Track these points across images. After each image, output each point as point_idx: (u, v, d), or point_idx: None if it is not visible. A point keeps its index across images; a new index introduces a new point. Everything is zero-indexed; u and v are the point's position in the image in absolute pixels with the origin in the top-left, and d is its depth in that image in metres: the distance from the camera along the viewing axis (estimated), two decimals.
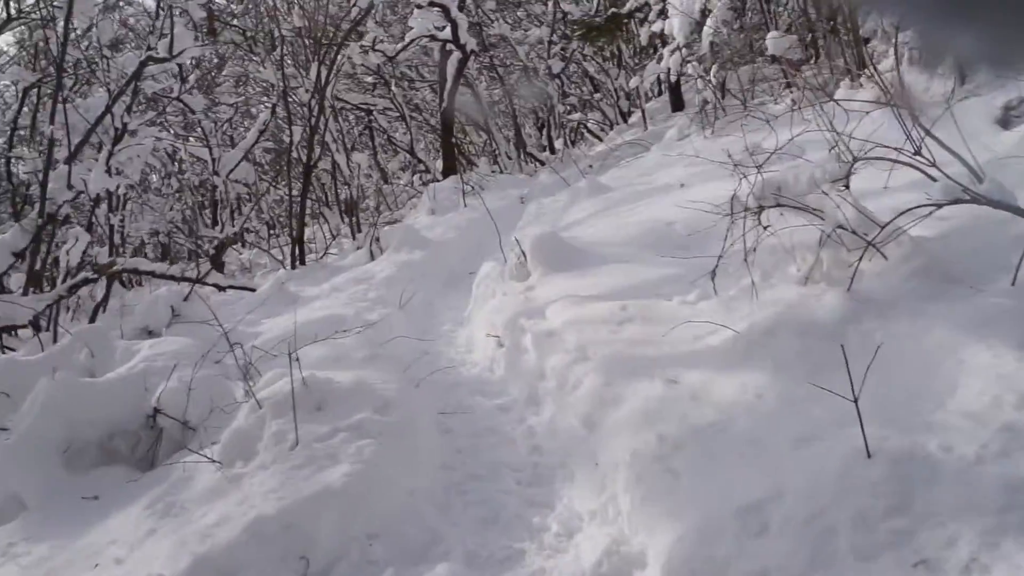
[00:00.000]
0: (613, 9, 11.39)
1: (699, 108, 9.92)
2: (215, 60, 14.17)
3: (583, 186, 8.01)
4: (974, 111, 5.40)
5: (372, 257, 7.44)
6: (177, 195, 14.04)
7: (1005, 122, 5.51)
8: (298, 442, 2.73)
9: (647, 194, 6.67)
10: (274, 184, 19.98)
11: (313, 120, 8.18)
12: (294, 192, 8.52)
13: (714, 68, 9.02)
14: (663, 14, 10.62)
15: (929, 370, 2.24)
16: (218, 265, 12.77)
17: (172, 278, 7.66)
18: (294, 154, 8.73)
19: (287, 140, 16.42)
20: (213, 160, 12.86)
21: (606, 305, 3.84)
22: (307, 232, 17.80)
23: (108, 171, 9.83)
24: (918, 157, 3.10)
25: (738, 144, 7.96)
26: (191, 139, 13.66)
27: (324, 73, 8.01)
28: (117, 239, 11.54)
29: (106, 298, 8.24)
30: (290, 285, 7.15)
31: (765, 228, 3.51)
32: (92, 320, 8.27)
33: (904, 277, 2.82)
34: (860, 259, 2.81)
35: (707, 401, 2.60)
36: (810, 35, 11.10)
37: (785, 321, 2.82)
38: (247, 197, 15.19)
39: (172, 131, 14.01)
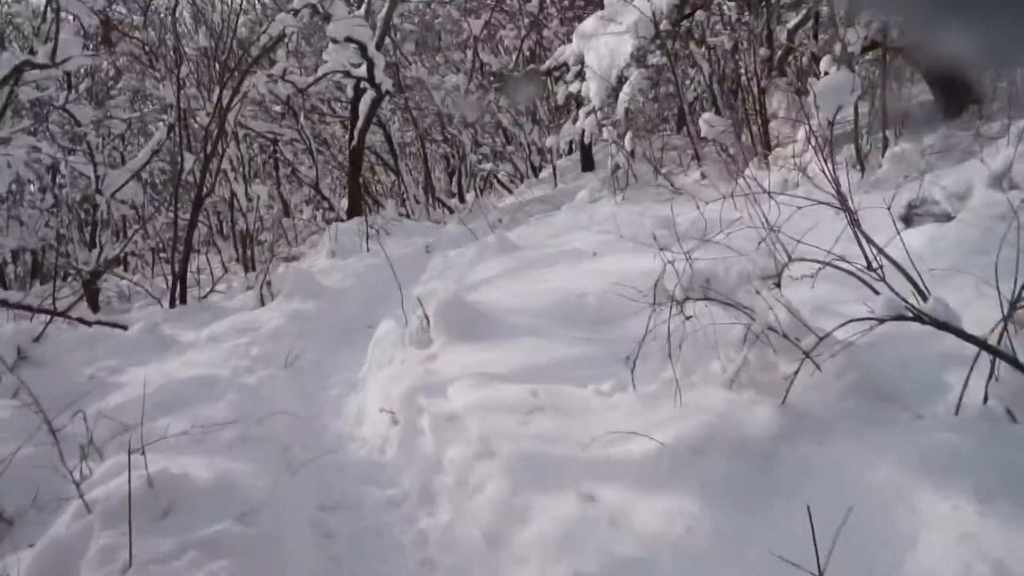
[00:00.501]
0: (532, 65, 11.31)
1: (611, 172, 9.87)
2: (111, 72, 13.21)
3: (492, 242, 7.70)
4: (875, 206, 5.42)
5: (262, 302, 6.84)
6: (53, 211, 12.86)
7: (908, 219, 5.54)
8: (131, 563, 2.19)
9: (558, 259, 6.41)
10: (166, 207, 18.85)
11: (209, 147, 7.56)
12: (180, 222, 7.81)
13: (628, 134, 8.98)
14: (581, 76, 10.60)
15: (881, 517, 1.97)
16: (92, 292, 11.71)
17: (27, 308, 6.81)
18: (186, 180, 8.03)
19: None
20: (97, 177, 11.88)
21: (514, 389, 3.47)
22: (197, 262, 16.81)
23: None
24: (852, 263, 2.93)
25: (649, 213, 7.92)
26: (77, 152, 12.60)
27: (226, 98, 7.42)
28: None
29: None
30: (165, 327, 6.45)
31: (688, 319, 3.25)
32: None
33: (840, 393, 2.59)
34: (797, 372, 2.57)
35: (629, 529, 2.26)
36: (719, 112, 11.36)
37: (714, 436, 2.54)
38: (134, 219, 14.12)
39: (56, 143, 12.90)
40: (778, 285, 2.93)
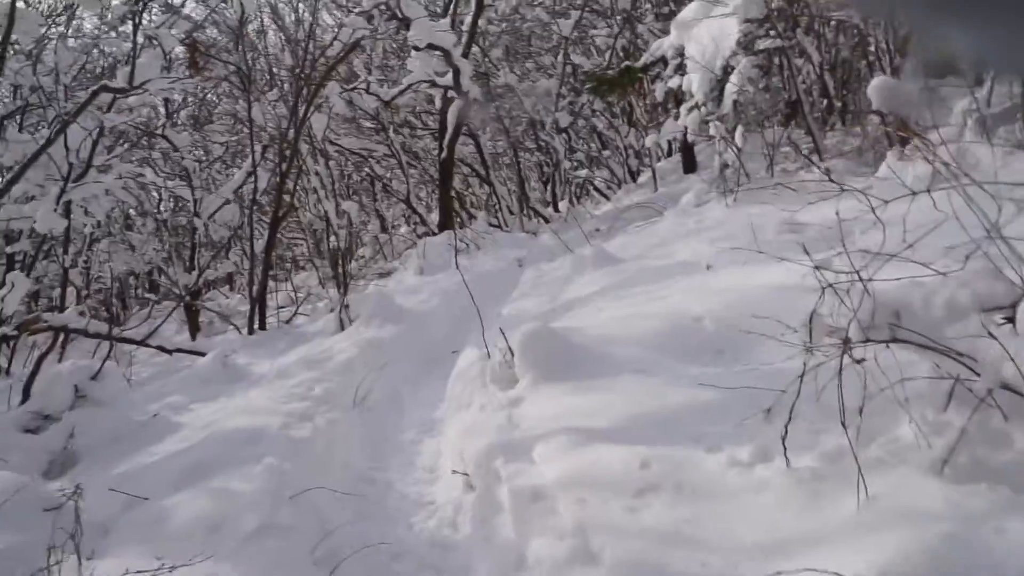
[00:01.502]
0: (627, 63, 10.38)
1: (718, 171, 8.80)
2: (202, 96, 13.17)
3: (588, 255, 6.84)
4: None
5: (341, 326, 6.23)
6: (156, 235, 12.90)
7: None
8: None
9: (665, 273, 5.47)
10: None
11: (284, 166, 7.06)
12: (257, 246, 7.36)
13: (739, 129, 7.92)
14: (680, 70, 9.60)
15: None
16: (193, 314, 11.59)
17: (107, 338, 6.45)
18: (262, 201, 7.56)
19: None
20: (195, 200, 11.79)
21: (619, 454, 2.60)
22: (293, 281, 16.70)
23: (66, 209, 8.72)
24: None
25: (768, 216, 6.84)
26: (176, 178, 12.60)
27: (300, 114, 6.91)
28: (81, 281, 10.40)
29: (40, 359, 7.00)
30: (240, 356, 5.93)
31: (859, 363, 2.30)
32: (25, 391, 7.00)
33: None
34: None
35: None
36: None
37: (941, 571, 1.59)
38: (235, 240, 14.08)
39: (157, 169, 12.96)
40: (1011, 321, 1.94)
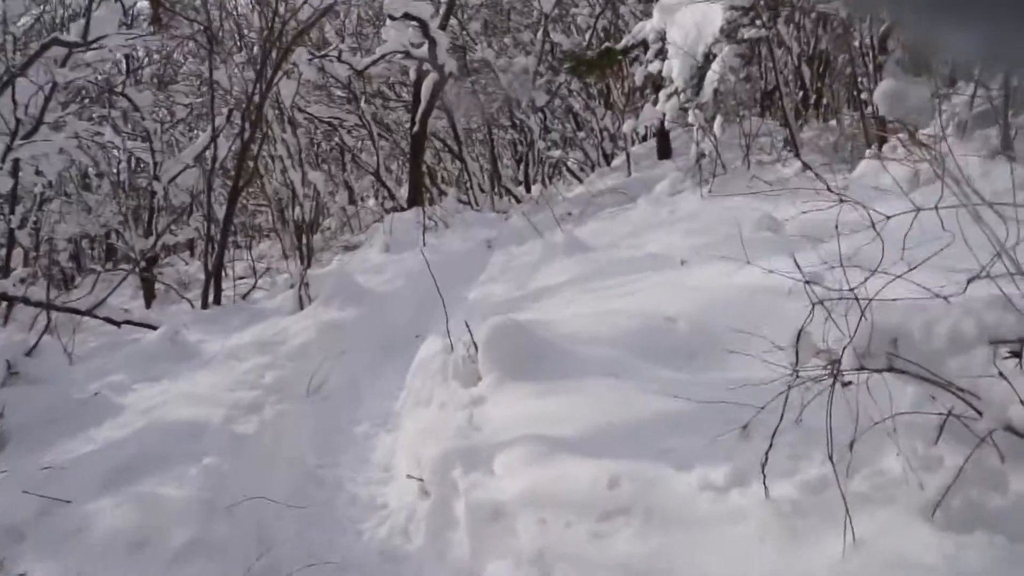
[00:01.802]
0: (607, 44, 10.12)
1: (694, 160, 8.64)
2: (166, 55, 12.62)
3: (559, 241, 6.63)
4: None
5: (300, 305, 5.96)
6: (113, 197, 12.37)
7: None
8: None
9: (637, 265, 5.29)
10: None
11: (247, 134, 6.71)
12: (220, 215, 7.01)
13: (718, 120, 7.74)
14: (661, 54, 9.38)
15: None
16: (147, 282, 11.16)
17: (49, 307, 6.09)
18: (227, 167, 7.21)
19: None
20: (155, 163, 11.31)
21: (587, 469, 2.42)
22: (262, 247, 16.23)
23: (14, 167, 8.26)
24: None
25: (743, 210, 6.69)
26: (138, 139, 12.05)
27: (266, 80, 6.54)
28: (30, 243, 9.92)
29: None
30: (191, 333, 5.64)
31: (845, 385, 2.14)
32: None
33: None
34: None
35: None
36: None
37: None
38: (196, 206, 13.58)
39: (117, 128, 12.40)
40: (1018, 356, 1.78)
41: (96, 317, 6.21)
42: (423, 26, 9.33)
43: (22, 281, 9.75)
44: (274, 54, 6.73)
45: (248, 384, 3.80)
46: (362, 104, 12.21)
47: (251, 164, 6.87)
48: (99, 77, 12.11)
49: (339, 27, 11.49)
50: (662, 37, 9.29)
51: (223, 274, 6.78)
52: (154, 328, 6.42)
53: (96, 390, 4.55)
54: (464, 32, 13.29)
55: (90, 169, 12.34)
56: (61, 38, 6.17)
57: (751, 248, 5.01)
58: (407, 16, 8.98)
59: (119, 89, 10.89)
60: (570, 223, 8.63)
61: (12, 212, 8.37)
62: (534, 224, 7.71)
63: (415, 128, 11.40)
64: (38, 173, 9.47)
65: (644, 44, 9.80)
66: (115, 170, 12.19)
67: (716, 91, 8.09)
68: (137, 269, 10.91)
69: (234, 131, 10.82)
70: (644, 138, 15.65)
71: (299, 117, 12.58)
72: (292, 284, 6.82)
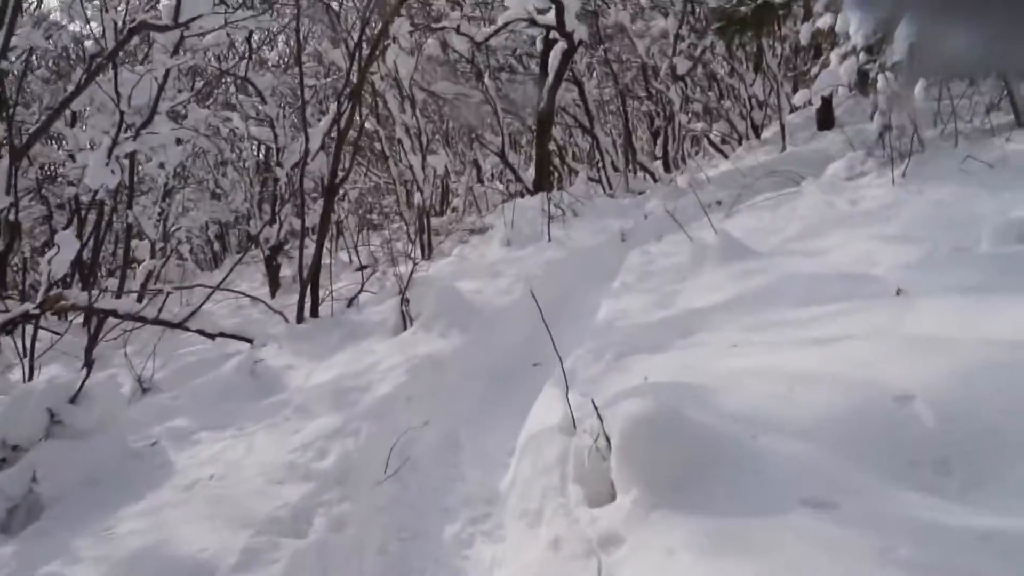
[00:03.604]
0: None
1: (877, 135, 6.92)
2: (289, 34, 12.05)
3: (713, 244, 5.26)
4: None
5: (404, 323, 4.98)
6: (242, 184, 12.04)
7: None
8: None
9: (822, 286, 3.88)
10: (364, 174, 17.97)
11: (341, 123, 5.78)
12: (310, 218, 6.16)
13: (920, 83, 6.03)
14: (833, 6, 7.67)
15: None
16: (274, 270, 10.72)
17: (141, 320, 5.47)
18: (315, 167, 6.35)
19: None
20: (277, 149, 10.82)
21: None
22: (384, 235, 15.65)
23: (130, 161, 7.85)
24: None
25: (960, 206, 5.03)
26: (263, 123, 11.62)
27: (361, 58, 5.55)
28: (156, 233, 9.64)
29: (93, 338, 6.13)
30: (279, 356, 4.82)
31: None
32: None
33: None
34: None
35: None
36: None
37: None
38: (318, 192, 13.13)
39: (246, 115, 12.05)
40: None
41: (188, 330, 5.54)
42: None
43: (149, 274, 9.55)
44: (370, 29, 5.74)
45: (301, 471, 2.81)
46: (486, 79, 11.12)
47: (349, 155, 5.94)
48: (220, 62, 11.77)
49: None
50: None
51: (318, 283, 5.93)
52: (249, 341, 5.70)
53: (156, 437, 3.79)
54: None
55: (222, 155, 12.05)
56: (149, 21, 5.44)
57: (1000, 270, 3.50)
58: None
59: (240, 74, 10.42)
60: (719, 213, 7.18)
61: (130, 207, 7.97)
62: (674, 216, 6.34)
63: (542, 103, 10.20)
64: (161, 166, 9.19)
65: None
66: (242, 157, 11.81)
67: (912, 45, 6.34)
68: (265, 256, 10.55)
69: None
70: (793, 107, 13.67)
71: (420, 96, 11.71)
72: (398, 290, 5.87)
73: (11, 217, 5.75)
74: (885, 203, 5.53)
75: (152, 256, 9.55)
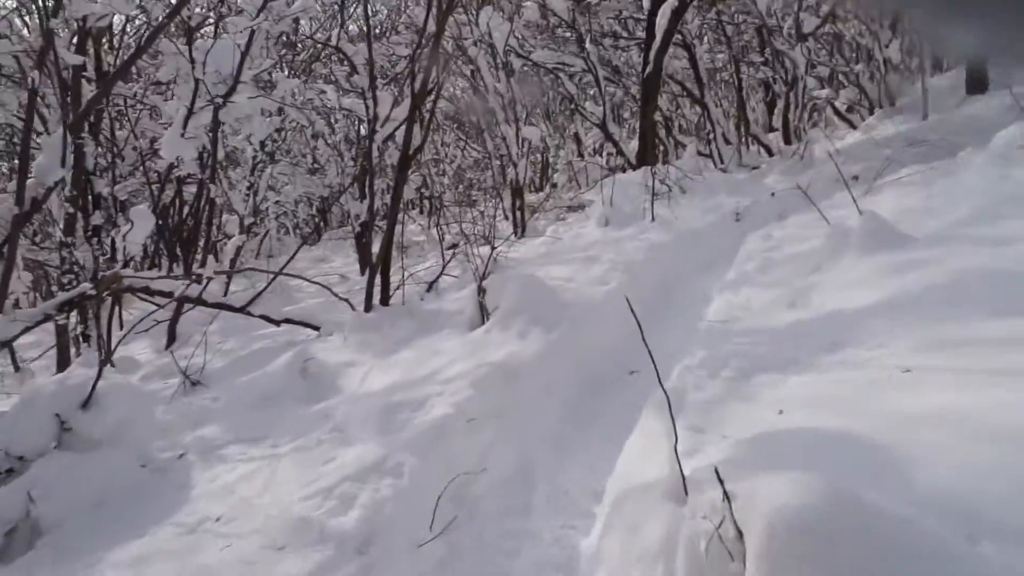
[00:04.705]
0: None
1: None
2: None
3: (855, 228, 4.21)
4: None
5: (483, 317, 4.23)
6: (337, 157, 11.63)
7: None
8: None
9: (1020, 286, 2.83)
10: (463, 146, 17.33)
11: (415, 85, 5.05)
12: (380, 194, 5.48)
13: None
14: None
15: None
16: (364, 246, 10.26)
17: (200, 303, 4.98)
18: (382, 141, 5.65)
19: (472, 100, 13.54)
20: (369, 120, 10.28)
21: None
22: (476, 210, 15.00)
23: (212, 133, 7.45)
24: None
25: None
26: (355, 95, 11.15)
27: (436, 17, 4.77)
28: (246, 210, 9.33)
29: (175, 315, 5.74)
30: (340, 351, 4.19)
31: None
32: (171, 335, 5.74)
33: None
34: None
35: None
36: None
37: None
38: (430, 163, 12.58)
39: (340, 86, 11.61)
40: None
41: (251, 315, 5.01)
42: None
43: (238, 250, 9.26)
44: None
45: (314, 532, 2.09)
46: (587, 44, 10.14)
47: (423, 128, 5.21)
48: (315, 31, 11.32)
49: None
50: None
51: (389, 269, 5.25)
52: (316, 328, 5.13)
53: (184, 448, 3.22)
54: None
55: (313, 128, 11.66)
56: None
57: None
58: None
59: (331, 43, 9.93)
60: (857, 189, 6.02)
61: (213, 181, 7.60)
62: (803, 190, 5.25)
63: (648, 69, 9.15)
64: (248, 140, 8.83)
65: None
66: (335, 130, 11.37)
67: None
68: (355, 234, 10.12)
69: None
70: (943, 68, 11.97)
71: (517, 64, 10.87)
72: (476, 275, 5.10)
73: (68, 191, 5.36)
74: None
75: (241, 231, 9.25)
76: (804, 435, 2.09)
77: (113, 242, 7.64)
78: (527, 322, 3.74)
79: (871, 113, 11.07)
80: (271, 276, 5.18)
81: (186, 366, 4.13)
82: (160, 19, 4.99)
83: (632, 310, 2.57)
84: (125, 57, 9.15)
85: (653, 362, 2.60)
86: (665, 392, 2.26)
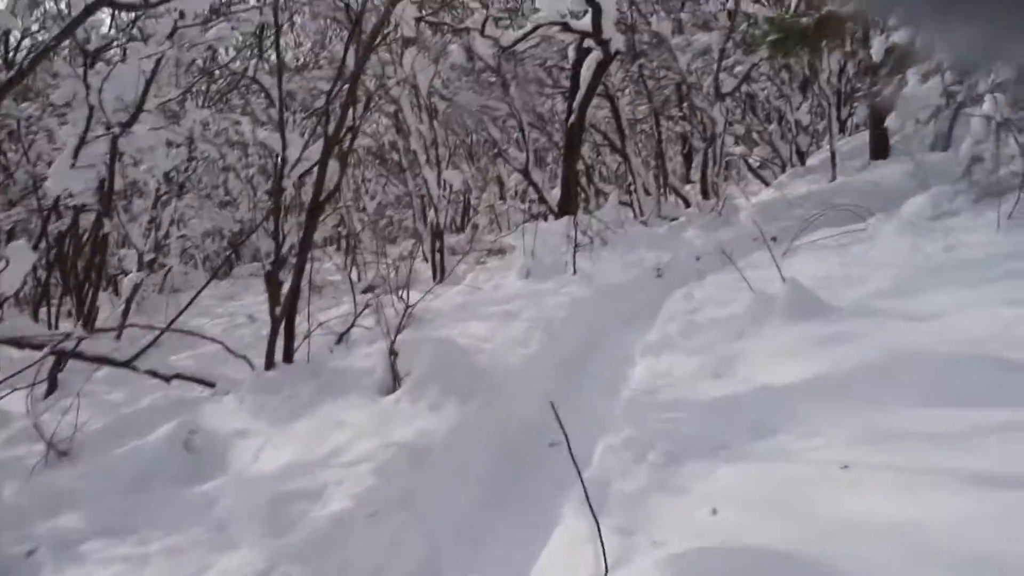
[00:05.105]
0: (828, 8, 7.31)
1: (965, 166, 5.77)
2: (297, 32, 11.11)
3: (779, 296, 4.14)
4: None
5: (395, 382, 3.90)
6: (249, 192, 11.08)
7: None
8: None
9: (959, 372, 2.75)
10: (384, 183, 16.94)
11: (329, 128, 4.75)
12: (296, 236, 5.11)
13: None
14: (910, 18, 6.49)
15: None
16: (276, 286, 9.72)
17: (77, 357, 4.44)
18: (292, 179, 5.30)
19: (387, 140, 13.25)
20: (280, 160, 9.84)
21: None
22: (401, 247, 14.63)
23: (110, 165, 6.87)
24: None
25: None
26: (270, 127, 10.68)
27: (355, 55, 4.52)
28: (145, 244, 8.66)
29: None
30: (233, 416, 3.76)
31: None
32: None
33: None
34: None
35: None
36: None
37: None
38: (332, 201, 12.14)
39: (254, 117, 11.12)
40: None
41: (137, 371, 4.50)
42: None
43: (136, 287, 8.57)
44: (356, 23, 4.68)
45: None
46: (512, 90, 10.08)
47: (337, 171, 4.89)
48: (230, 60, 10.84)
49: None
50: None
51: (294, 322, 4.87)
52: (211, 385, 4.66)
53: (36, 542, 2.73)
54: (634, 7, 10.75)
55: (224, 160, 11.09)
56: None
57: None
58: None
59: (249, 73, 9.49)
60: (777, 247, 6.04)
61: (107, 215, 6.99)
62: (729, 256, 5.20)
63: (572, 118, 9.13)
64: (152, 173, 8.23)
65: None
66: (247, 164, 10.85)
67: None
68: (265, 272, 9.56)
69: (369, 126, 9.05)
70: (842, 129, 12.47)
71: (442, 106, 10.70)
72: (398, 326, 4.77)
73: None
74: (992, 252, 4.37)
75: (140, 268, 8.58)
76: (740, 555, 1.87)
77: None
78: (441, 392, 3.44)
79: (783, 171, 11.43)
80: (158, 331, 4.68)
81: (55, 429, 3.61)
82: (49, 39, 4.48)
83: (560, 424, 2.35)
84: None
85: (572, 458, 2.37)
86: (588, 496, 2.00)
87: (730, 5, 9.49)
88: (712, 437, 2.86)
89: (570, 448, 2.39)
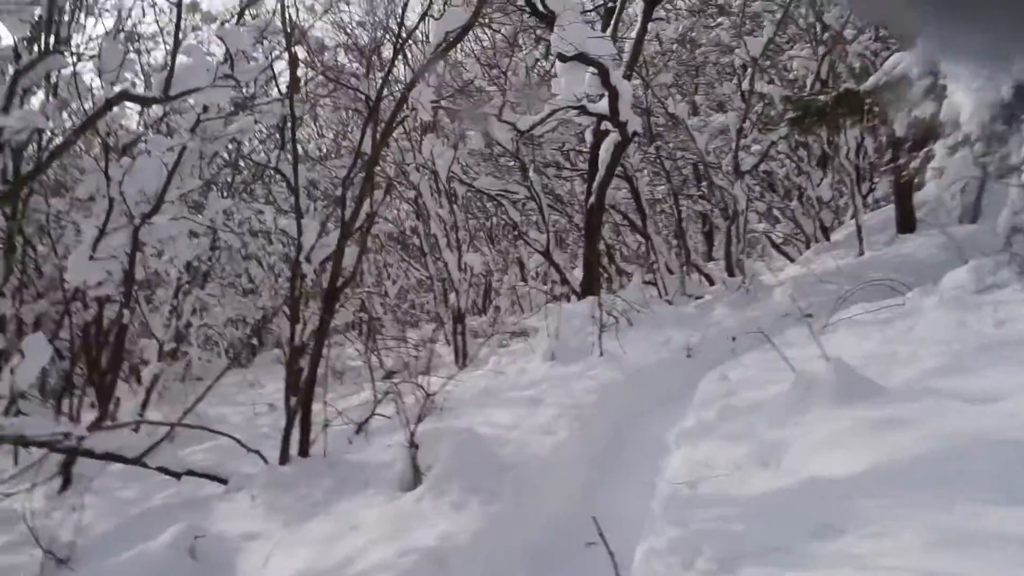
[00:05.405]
0: (847, 86, 7.31)
1: (1004, 236, 5.57)
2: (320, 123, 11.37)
3: (823, 377, 3.88)
4: None
5: (415, 476, 3.66)
6: (270, 280, 11.11)
7: None
8: None
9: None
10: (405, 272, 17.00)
11: (346, 214, 4.70)
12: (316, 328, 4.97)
13: None
14: (933, 92, 6.47)
15: None
16: (295, 373, 9.57)
17: (87, 455, 4.26)
18: (311, 265, 5.22)
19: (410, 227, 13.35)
20: (297, 247, 9.88)
21: None
22: (422, 331, 14.50)
23: (131, 255, 6.87)
24: None
25: None
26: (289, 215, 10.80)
27: (371, 140, 4.51)
28: (167, 335, 8.61)
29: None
30: (237, 521, 3.53)
31: None
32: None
33: None
34: None
35: None
36: None
37: None
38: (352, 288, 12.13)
39: (277, 206, 11.28)
40: None
41: (147, 467, 4.30)
42: (602, 72, 7.08)
43: (156, 378, 8.46)
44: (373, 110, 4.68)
45: None
46: (531, 173, 10.13)
47: (357, 256, 4.81)
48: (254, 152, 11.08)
49: (500, 80, 9.51)
50: (935, 69, 6.43)
51: (311, 413, 4.67)
52: (224, 482, 4.43)
53: None
54: (649, 91, 10.90)
55: (246, 249, 11.17)
56: (131, 92, 4.50)
57: None
58: (582, 59, 6.77)
59: (270, 164, 9.66)
60: (813, 327, 5.79)
61: (127, 304, 6.93)
62: (769, 337, 4.96)
63: (591, 200, 9.10)
64: (172, 262, 8.24)
65: (906, 79, 6.92)
66: (268, 251, 10.91)
67: None
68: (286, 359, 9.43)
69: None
70: (864, 203, 12.34)
71: (462, 190, 10.77)
72: (420, 414, 4.55)
73: None
74: None
75: (160, 358, 8.49)
76: None
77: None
78: (464, 489, 3.20)
79: (807, 247, 11.26)
80: (170, 427, 4.51)
81: (60, 530, 3.40)
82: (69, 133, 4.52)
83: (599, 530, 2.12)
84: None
85: (613, 561, 2.11)
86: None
87: (745, 86, 9.57)
88: (766, 538, 2.58)
89: (611, 553, 2.14)
